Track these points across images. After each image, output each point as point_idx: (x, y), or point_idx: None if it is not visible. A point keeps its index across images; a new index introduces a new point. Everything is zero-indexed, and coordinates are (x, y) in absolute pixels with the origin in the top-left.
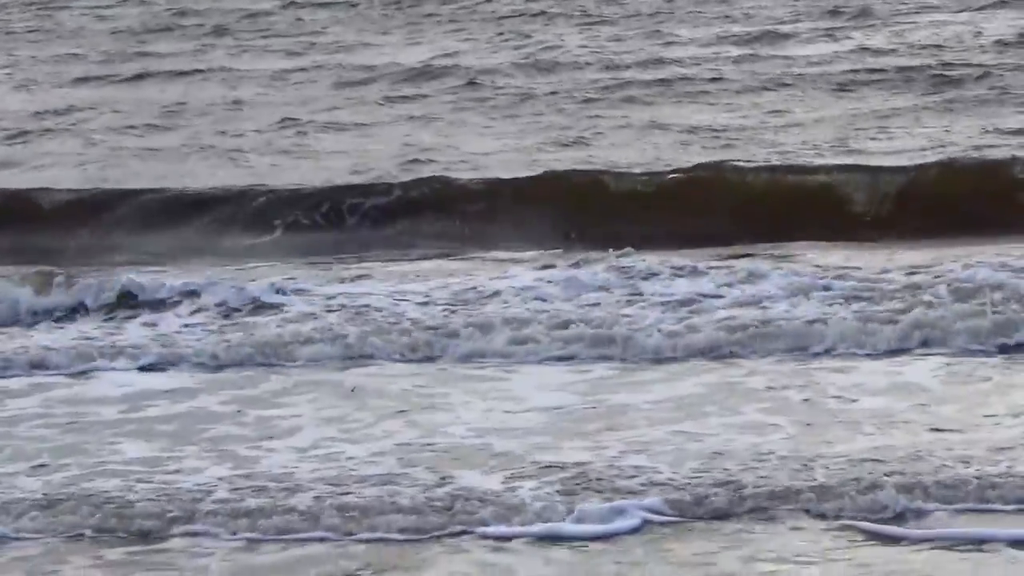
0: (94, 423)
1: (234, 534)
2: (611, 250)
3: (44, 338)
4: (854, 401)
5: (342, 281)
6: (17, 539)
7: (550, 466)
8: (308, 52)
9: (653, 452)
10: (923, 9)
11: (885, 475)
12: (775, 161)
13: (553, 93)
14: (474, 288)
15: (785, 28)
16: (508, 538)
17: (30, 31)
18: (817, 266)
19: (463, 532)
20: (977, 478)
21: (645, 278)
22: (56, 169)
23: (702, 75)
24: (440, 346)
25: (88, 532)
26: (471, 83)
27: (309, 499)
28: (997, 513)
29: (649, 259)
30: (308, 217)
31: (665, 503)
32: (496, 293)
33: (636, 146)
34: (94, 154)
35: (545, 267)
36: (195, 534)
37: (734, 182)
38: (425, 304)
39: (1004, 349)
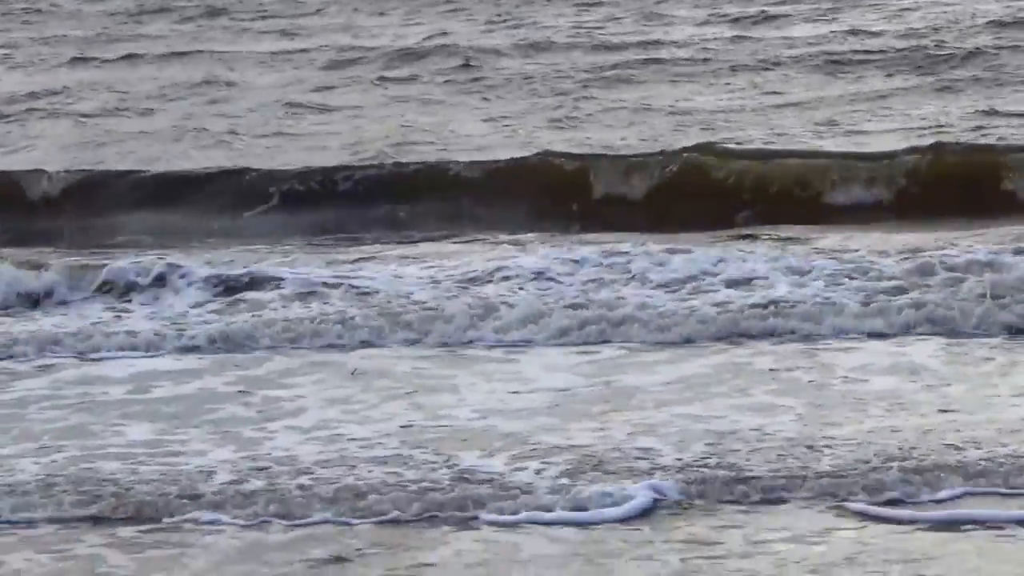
0: (100, 403)
1: (238, 516)
2: (613, 232)
3: (47, 321)
4: (863, 382)
5: (344, 263)
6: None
7: (556, 447)
8: (302, 33)
9: (660, 434)
10: None
11: (893, 457)
12: (776, 145)
13: (555, 75)
14: (477, 270)
15: (784, 8)
16: (513, 519)
17: (26, 11)
18: (819, 248)
19: (468, 514)
20: (987, 460)
21: (647, 260)
22: (48, 151)
23: (696, 56)
24: (442, 328)
25: (94, 512)
26: (466, 65)
27: (313, 480)
28: (1006, 496)
29: (650, 243)
30: (306, 197)
31: (672, 485)
32: (499, 273)
33: (631, 128)
34: (88, 135)
35: (551, 247)
36: (199, 516)
37: (730, 163)
38: (428, 285)
39: (1009, 330)
